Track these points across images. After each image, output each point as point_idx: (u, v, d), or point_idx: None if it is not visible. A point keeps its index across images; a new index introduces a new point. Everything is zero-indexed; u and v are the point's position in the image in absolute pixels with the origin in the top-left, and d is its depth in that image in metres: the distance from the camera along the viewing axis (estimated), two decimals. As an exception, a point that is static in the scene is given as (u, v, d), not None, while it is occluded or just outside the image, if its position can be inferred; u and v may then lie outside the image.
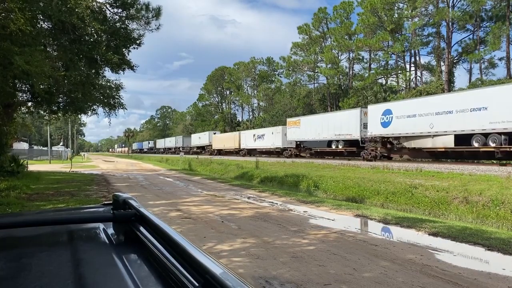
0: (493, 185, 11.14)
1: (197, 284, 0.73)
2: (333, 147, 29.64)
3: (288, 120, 36.97)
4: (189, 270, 0.79)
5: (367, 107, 26.93)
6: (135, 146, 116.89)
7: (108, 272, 0.94)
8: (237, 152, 46.34)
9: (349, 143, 28.05)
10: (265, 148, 40.72)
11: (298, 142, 34.89)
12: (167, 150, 78.32)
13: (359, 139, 26.45)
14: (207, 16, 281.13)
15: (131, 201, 1.27)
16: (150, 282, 0.89)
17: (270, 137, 39.03)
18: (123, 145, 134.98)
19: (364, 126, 26.05)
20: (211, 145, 54.28)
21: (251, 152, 44.33)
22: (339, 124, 28.46)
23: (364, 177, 15.63)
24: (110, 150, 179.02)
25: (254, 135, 43.12)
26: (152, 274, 0.92)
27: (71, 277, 0.90)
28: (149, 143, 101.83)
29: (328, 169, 20.25)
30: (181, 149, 65.86)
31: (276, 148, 38.00)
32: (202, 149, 59.50)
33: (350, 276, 4.63)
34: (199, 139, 61.12)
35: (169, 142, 78.98)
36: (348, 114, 28.28)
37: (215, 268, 0.74)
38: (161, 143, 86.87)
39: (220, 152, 51.43)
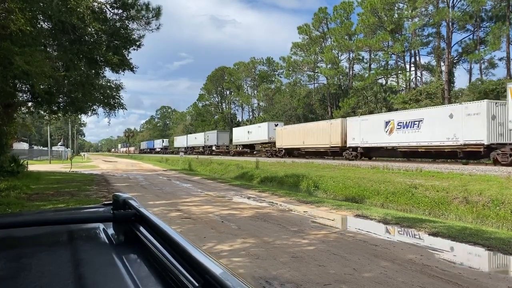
0: (493, 185, 11.15)
1: (197, 284, 0.73)
2: None
3: None
4: (189, 270, 0.79)
5: None
6: (143, 145, 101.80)
7: (108, 272, 0.94)
8: (338, 152, 28.34)
9: None
10: (426, 145, 21.39)
11: None
12: (190, 150, 59.58)
13: None
14: (207, 16, 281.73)
15: (131, 201, 1.27)
16: (150, 282, 0.89)
17: (437, 125, 20.39)
18: (128, 145, 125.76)
19: None
20: (272, 142, 38.09)
21: (372, 152, 26.08)
22: None
23: (364, 177, 15.63)
24: (113, 150, 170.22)
25: (387, 122, 23.83)
26: (152, 274, 0.92)
27: (71, 277, 0.90)
28: (162, 141, 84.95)
29: (328, 169, 20.25)
30: (214, 147, 51.37)
31: (465, 145, 19.04)
32: (251, 148, 43.57)
33: (350, 276, 4.62)
34: (248, 134, 43.52)
35: (195, 139, 60.07)
36: None
37: (215, 268, 0.74)
38: (181, 141, 67.77)
39: (291, 153, 34.48)
